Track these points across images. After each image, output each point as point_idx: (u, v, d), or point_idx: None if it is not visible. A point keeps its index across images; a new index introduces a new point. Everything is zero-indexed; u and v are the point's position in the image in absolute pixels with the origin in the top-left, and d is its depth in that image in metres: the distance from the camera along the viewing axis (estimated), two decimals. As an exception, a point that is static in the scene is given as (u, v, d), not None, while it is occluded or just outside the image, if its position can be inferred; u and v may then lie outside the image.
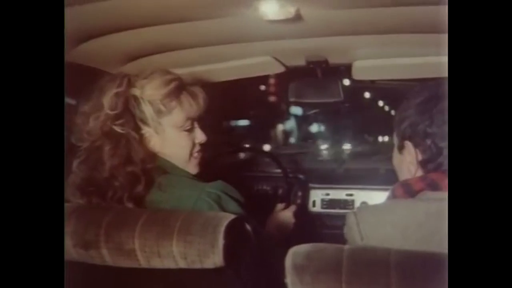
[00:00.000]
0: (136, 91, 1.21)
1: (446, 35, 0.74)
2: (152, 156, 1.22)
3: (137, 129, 1.20)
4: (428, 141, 0.98)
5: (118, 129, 1.17)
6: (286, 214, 1.67)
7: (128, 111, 1.19)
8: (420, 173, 1.01)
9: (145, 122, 1.21)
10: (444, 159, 0.96)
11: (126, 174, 1.15)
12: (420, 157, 1.00)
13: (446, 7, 0.73)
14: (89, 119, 1.18)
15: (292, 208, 1.71)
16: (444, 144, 0.96)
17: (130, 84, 1.21)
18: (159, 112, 1.21)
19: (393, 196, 1.02)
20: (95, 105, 1.19)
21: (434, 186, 0.96)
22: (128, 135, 1.18)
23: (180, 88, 1.24)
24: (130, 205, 1.15)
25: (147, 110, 1.20)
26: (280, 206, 1.72)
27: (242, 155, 2.43)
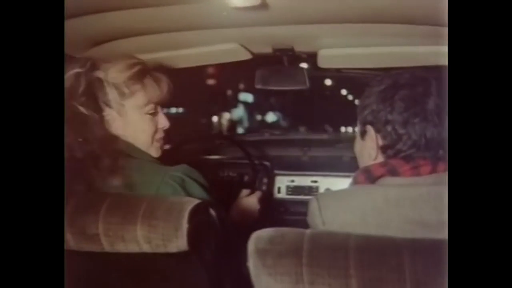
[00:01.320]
0: (100, 74, 1.22)
1: (430, 27, 0.74)
2: (113, 138, 1.22)
3: (99, 111, 1.21)
4: (389, 128, 1.00)
5: (81, 109, 1.16)
6: (251, 200, 1.68)
7: (91, 93, 1.20)
8: (380, 158, 1.04)
9: (108, 104, 1.22)
10: (403, 146, 1.00)
11: (87, 153, 1.14)
12: (380, 143, 1.03)
13: None
14: None
15: (257, 194, 1.72)
16: (403, 131, 0.99)
17: (94, 67, 1.22)
18: (122, 95, 1.22)
19: (354, 183, 1.05)
20: None
21: (393, 172, 0.98)
22: (89, 115, 1.17)
23: (144, 72, 1.26)
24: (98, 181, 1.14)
25: (111, 92, 1.21)
26: (245, 191, 1.73)
27: (207, 141, 2.43)
